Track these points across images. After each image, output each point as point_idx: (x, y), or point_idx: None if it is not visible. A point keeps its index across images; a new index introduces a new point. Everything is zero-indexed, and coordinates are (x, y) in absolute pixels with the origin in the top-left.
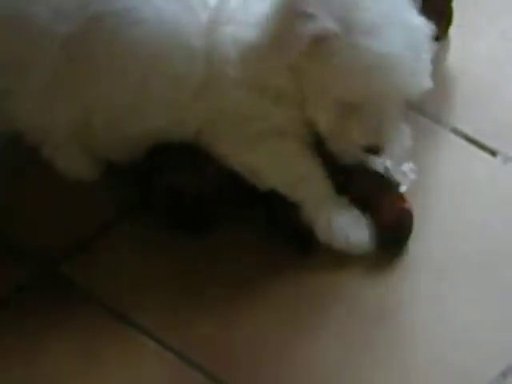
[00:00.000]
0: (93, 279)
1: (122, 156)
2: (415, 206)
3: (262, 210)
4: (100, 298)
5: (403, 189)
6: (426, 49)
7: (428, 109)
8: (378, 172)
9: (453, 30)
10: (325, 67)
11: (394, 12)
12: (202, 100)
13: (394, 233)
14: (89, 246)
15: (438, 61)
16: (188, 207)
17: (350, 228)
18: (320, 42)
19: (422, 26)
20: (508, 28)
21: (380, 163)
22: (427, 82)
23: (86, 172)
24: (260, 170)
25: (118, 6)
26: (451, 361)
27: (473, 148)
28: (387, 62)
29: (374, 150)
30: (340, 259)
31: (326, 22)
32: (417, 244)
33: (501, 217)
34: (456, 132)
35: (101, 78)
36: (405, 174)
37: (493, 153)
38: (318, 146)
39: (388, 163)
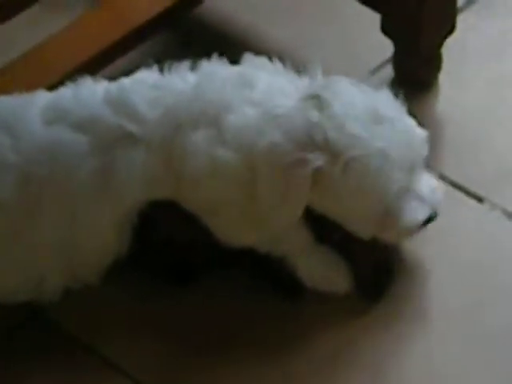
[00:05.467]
0: (79, 323)
1: None
2: (401, 250)
3: (247, 262)
4: (87, 342)
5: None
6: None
7: None
8: None
9: (441, 77)
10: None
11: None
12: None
13: (369, 283)
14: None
15: (426, 107)
16: (178, 256)
17: (332, 272)
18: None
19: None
20: (496, 75)
21: None
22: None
23: None
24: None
25: None
26: None
27: (460, 194)
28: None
29: None
30: (324, 308)
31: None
32: (402, 294)
33: (488, 264)
34: (443, 178)
35: None
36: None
37: (480, 199)
38: None
39: None
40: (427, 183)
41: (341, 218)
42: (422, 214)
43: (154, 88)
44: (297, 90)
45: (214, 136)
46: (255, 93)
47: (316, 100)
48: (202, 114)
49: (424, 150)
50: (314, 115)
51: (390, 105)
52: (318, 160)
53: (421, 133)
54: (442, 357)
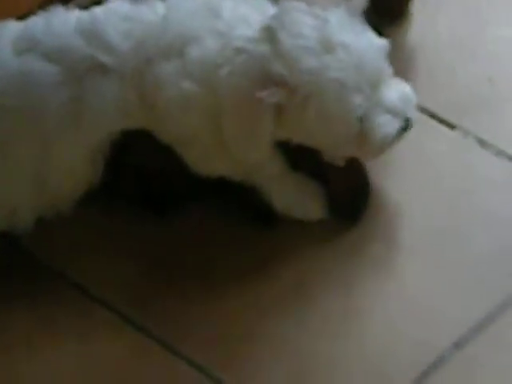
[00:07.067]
0: (52, 252)
1: None
2: (375, 179)
3: (221, 191)
4: (60, 270)
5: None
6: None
7: None
8: None
9: (414, 6)
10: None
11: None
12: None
13: (345, 206)
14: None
15: (399, 36)
16: (152, 184)
17: (306, 198)
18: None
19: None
20: (470, 4)
21: None
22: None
23: None
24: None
25: None
26: (405, 331)
27: (432, 122)
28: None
29: None
30: (298, 232)
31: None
32: (375, 216)
33: (460, 191)
34: (416, 106)
35: None
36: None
37: (452, 127)
38: None
39: None
40: (397, 91)
41: (315, 147)
42: (393, 127)
43: (125, 19)
44: (262, 18)
45: (181, 68)
46: (220, 22)
47: (267, 32)
48: (169, 46)
49: (385, 61)
50: (266, 50)
51: (343, 27)
52: (273, 96)
53: (380, 43)
54: (416, 281)
